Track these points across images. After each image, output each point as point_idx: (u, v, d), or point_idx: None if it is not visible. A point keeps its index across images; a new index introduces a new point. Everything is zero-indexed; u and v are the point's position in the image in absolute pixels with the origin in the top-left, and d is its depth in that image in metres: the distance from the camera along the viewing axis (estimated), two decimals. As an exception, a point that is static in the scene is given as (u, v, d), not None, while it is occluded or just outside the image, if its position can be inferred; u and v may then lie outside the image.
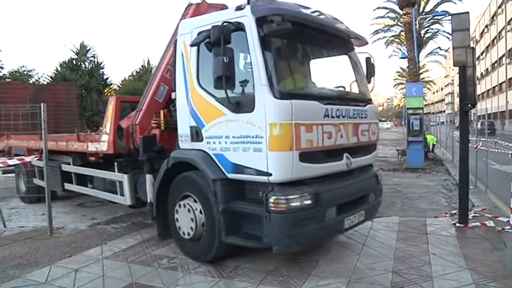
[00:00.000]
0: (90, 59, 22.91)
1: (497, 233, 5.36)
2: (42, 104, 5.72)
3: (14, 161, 6.90)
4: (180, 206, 4.50)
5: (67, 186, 6.83)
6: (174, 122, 4.77)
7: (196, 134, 4.37)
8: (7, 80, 21.22)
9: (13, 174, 8.82)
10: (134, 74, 27.66)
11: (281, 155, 3.68)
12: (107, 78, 23.89)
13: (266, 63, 3.71)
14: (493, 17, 48.19)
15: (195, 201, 4.35)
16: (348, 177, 4.40)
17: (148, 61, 28.20)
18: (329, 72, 4.95)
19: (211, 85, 3.98)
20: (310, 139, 3.82)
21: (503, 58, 43.94)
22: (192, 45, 4.30)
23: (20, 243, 5.38)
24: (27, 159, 6.82)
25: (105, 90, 23.42)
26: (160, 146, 5.01)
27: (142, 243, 5.24)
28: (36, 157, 6.77)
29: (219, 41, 3.66)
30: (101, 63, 23.36)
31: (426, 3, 24.63)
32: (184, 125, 4.53)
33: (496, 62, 47.56)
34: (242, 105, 3.86)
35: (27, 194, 7.95)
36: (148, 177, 4.94)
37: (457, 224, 5.70)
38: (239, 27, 3.83)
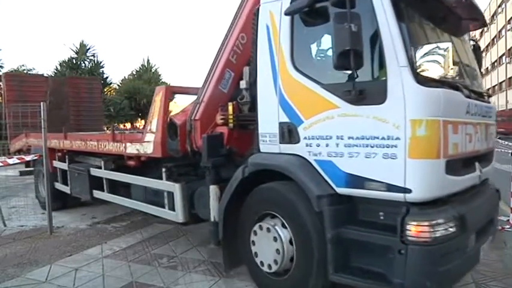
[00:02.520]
0: (90, 58, 23.01)
1: (497, 232, 5.35)
2: (42, 103, 5.72)
3: (14, 160, 6.86)
4: (259, 228, 3.45)
5: (96, 194, 5.90)
6: (246, 117, 3.86)
7: (288, 133, 3.32)
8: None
9: (26, 176, 8.58)
10: (134, 73, 27.70)
11: (426, 164, 2.71)
12: (107, 77, 23.93)
13: (404, 37, 2.73)
14: (493, 16, 48.14)
15: (283, 223, 3.31)
16: (476, 192, 3.32)
17: (148, 60, 28.32)
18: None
19: (315, 67, 3.24)
20: (456, 143, 2.88)
21: (503, 57, 43.96)
22: (287, 14, 3.26)
23: (20, 242, 5.38)
24: (27, 158, 6.82)
25: (105, 89, 23.45)
26: (229, 149, 3.98)
27: (142, 242, 5.24)
28: (36, 156, 6.71)
29: (344, 3, 2.67)
30: (101, 62, 23.46)
31: (426, 2, 24.63)
32: (269, 121, 3.47)
33: (496, 61, 47.56)
34: (367, 94, 2.83)
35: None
36: (213, 189, 3.84)
37: (457, 223, 5.70)
38: None
